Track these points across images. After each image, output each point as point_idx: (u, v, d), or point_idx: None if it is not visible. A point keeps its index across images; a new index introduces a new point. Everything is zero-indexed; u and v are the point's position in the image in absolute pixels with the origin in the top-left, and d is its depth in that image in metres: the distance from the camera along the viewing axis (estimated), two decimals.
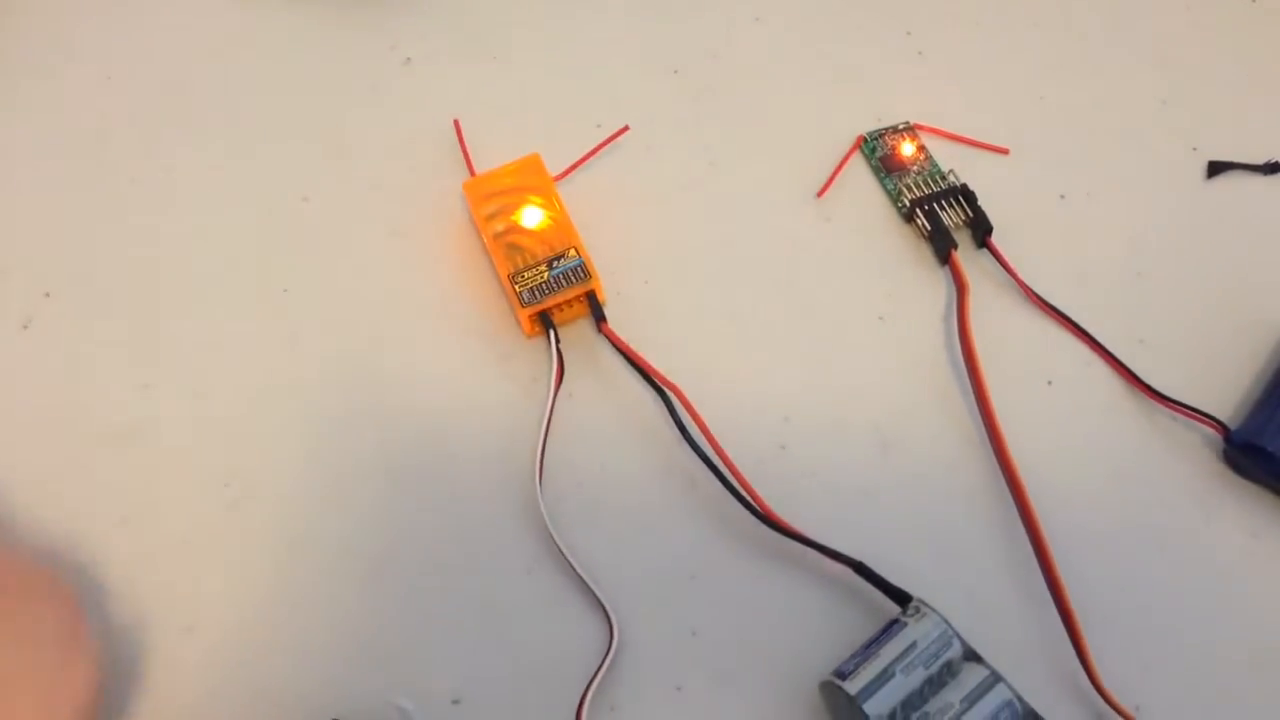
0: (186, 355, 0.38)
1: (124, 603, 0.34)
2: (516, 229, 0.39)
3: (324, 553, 0.35)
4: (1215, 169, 0.43)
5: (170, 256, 0.40)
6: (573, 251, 0.38)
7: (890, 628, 0.32)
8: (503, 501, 0.36)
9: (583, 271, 0.38)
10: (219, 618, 0.34)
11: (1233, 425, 0.36)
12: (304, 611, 0.34)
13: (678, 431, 0.35)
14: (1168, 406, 0.37)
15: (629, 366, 0.37)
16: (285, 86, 0.44)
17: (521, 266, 0.38)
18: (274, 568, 0.34)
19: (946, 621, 0.31)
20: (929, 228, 0.40)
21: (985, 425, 0.36)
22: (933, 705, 0.30)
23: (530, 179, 0.40)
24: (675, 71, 0.45)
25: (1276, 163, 0.42)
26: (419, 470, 0.36)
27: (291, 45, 0.45)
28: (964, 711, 0.30)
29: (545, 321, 0.38)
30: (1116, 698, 0.32)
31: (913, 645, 0.31)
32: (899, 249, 0.41)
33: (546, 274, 0.37)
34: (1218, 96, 0.45)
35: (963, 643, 0.31)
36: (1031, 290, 0.39)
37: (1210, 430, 0.36)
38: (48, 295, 0.39)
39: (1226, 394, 0.38)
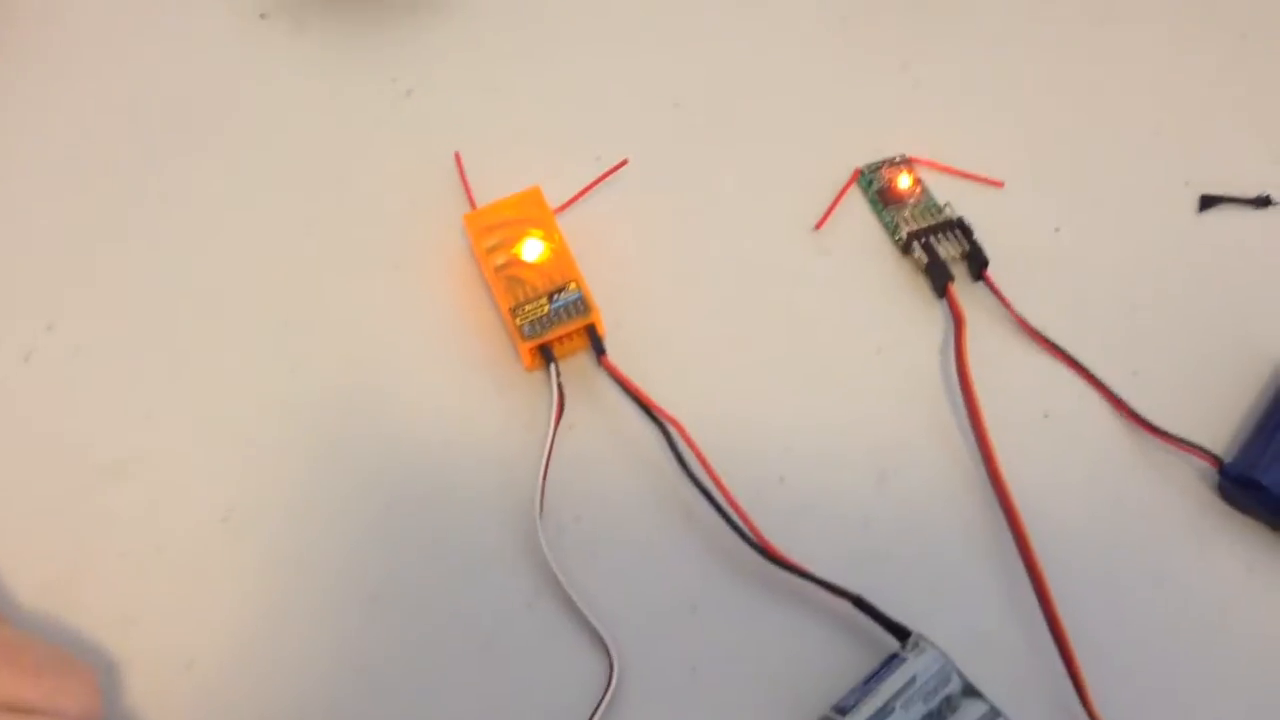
0: (186, 387, 0.38)
1: (125, 637, 0.34)
2: (517, 262, 0.39)
3: (323, 586, 0.35)
4: (1207, 203, 0.43)
5: (170, 288, 0.40)
6: (573, 285, 0.38)
7: (890, 662, 0.32)
8: (503, 535, 0.36)
9: (583, 305, 0.38)
10: (219, 652, 0.34)
11: (1227, 458, 0.36)
12: (303, 645, 0.34)
13: (678, 464, 0.36)
14: (1162, 439, 0.37)
15: (629, 399, 0.37)
16: (286, 117, 0.44)
17: (522, 300, 0.38)
18: (273, 601, 0.34)
19: (946, 656, 0.32)
20: (926, 260, 0.41)
21: (983, 458, 0.36)
22: None
23: (531, 212, 0.40)
24: (675, 104, 0.45)
25: (1267, 196, 0.43)
26: (419, 503, 0.36)
27: (293, 76, 0.46)
28: None
29: (546, 354, 0.38)
30: None
31: (912, 680, 0.31)
32: (896, 282, 0.41)
33: (547, 307, 0.38)
34: (1209, 130, 0.45)
35: (962, 677, 0.31)
36: (1027, 323, 0.39)
37: (1204, 463, 0.37)
38: (49, 328, 0.39)
39: (1220, 426, 0.38)
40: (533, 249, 0.39)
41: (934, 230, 0.41)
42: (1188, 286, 0.41)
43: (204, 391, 0.38)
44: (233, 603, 0.34)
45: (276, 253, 0.41)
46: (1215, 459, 0.36)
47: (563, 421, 0.37)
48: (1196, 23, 0.49)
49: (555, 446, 0.37)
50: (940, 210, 0.42)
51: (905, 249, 0.41)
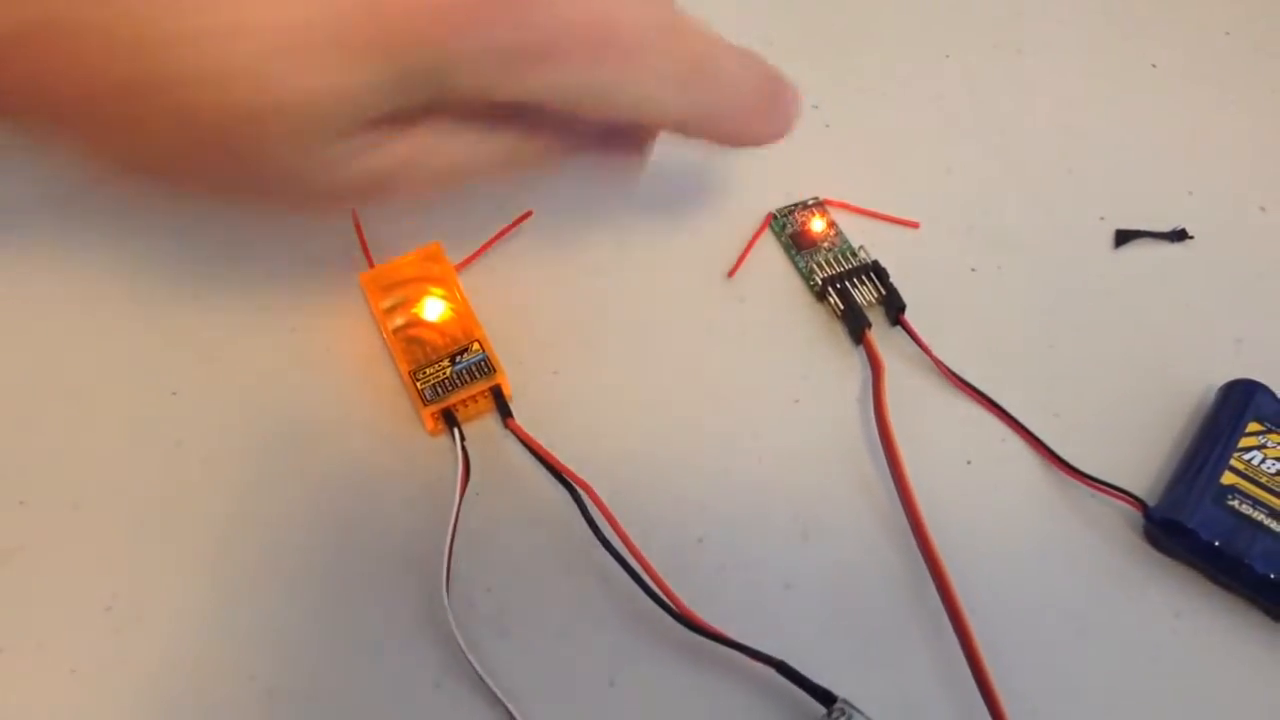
0: (63, 467, 0.36)
1: None
2: (418, 322, 0.37)
3: (216, 680, 0.33)
4: (1123, 238, 0.43)
5: (47, 362, 0.38)
6: (476, 345, 0.37)
7: None
8: (407, 611, 0.34)
9: (487, 366, 0.36)
10: None
11: (1151, 501, 0.36)
12: None
13: (590, 529, 0.34)
14: (1085, 483, 0.36)
15: (538, 462, 0.36)
16: None
17: (423, 362, 0.36)
18: (163, 697, 0.32)
19: None
20: (842, 307, 0.40)
21: (905, 510, 0.35)
22: None
23: (431, 269, 0.38)
24: None
25: (1182, 230, 0.43)
26: (316, 582, 0.34)
27: None
28: None
29: (449, 419, 0.36)
30: None
31: None
32: (813, 329, 0.40)
33: (449, 369, 0.36)
34: (1122, 164, 0.45)
35: None
36: (946, 367, 0.39)
37: (1129, 507, 0.36)
38: None
39: (1144, 467, 0.37)
40: (433, 308, 0.37)
41: (849, 275, 0.40)
42: (1106, 323, 0.41)
43: (82, 469, 0.36)
44: (122, 698, 0.32)
45: (163, 319, 0.39)
46: (1140, 502, 0.36)
47: (469, 488, 0.35)
48: (1106, 55, 0.49)
49: (461, 515, 0.35)
50: (855, 254, 0.41)
51: (821, 295, 0.40)
